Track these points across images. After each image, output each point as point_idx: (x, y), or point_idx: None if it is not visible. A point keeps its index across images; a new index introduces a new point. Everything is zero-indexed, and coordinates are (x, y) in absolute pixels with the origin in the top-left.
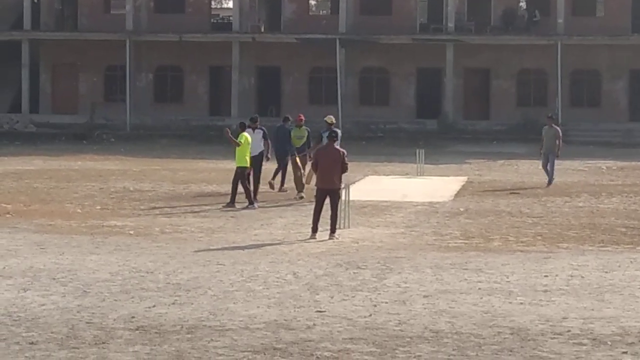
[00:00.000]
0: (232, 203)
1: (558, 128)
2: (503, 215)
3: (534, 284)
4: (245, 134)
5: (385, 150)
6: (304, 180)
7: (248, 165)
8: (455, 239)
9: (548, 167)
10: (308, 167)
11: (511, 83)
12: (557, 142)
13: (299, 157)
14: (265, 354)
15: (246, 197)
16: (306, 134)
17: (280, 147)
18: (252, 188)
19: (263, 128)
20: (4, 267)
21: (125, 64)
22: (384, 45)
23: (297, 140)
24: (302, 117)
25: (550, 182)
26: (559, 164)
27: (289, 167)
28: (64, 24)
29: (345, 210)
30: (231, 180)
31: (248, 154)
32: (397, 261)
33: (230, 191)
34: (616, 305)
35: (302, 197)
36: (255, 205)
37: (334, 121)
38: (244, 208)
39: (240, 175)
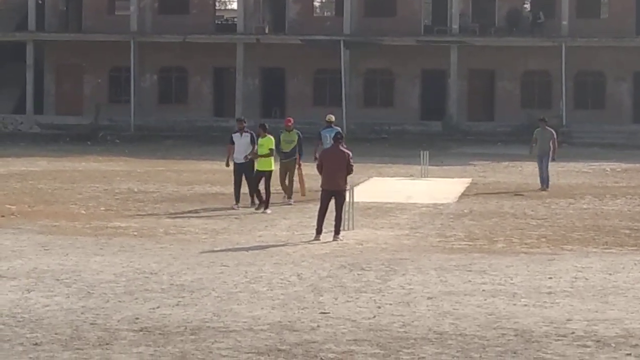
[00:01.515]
0: (264, 206)
1: (552, 130)
2: (507, 217)
3: (538, 286)
4: (270, 136)
5: (389, 151)
6: (297, 187)
7: (269, 168)
8: (459, 240)
9: (543, 171)
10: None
11: (515, 85)
12: (553, 144)
13: (288, 162)
14: (269, 356)
15: (260, 200)
16: (296, 137)
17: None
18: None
19: (251, 132)
20: (8, 268)
21: (130, 65)
22: (389, 46)
23: (287, 145)
24: (291, 120)
25: (547, 185)
26: (563, 166)
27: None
28: (69, 25)
29: (349, 212)
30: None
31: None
32: (401, 263)
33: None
34: (620, 307)
35: (290, 203)
36: (268, 210)
37: (333, 119)
38: (262, 211)
39: (268, 178)
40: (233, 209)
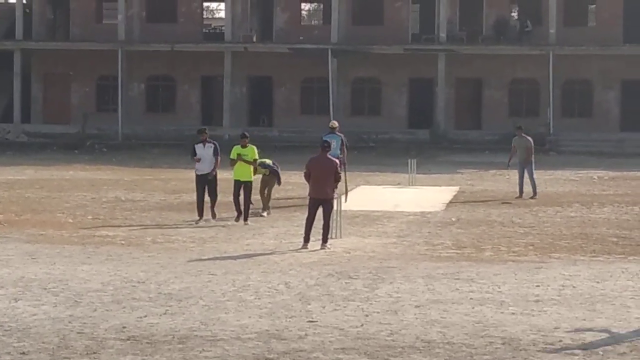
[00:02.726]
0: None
1: (529, 138)
2: (495, 225)
3: (526, 294)
4: (252, 146)
5: (377, 160)
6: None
7: (248, 179)
8: (447, 248)
9: (526, 179)
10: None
11: (503, 93)
12: (527, 152)
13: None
14: None
15: (243, 211)
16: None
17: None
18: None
19: (214, 142)
20: None
21: (117, 74)
22: (376, 55)
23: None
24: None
25: (534, 193)
26: (551, 174)
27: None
28: (56, 33)
29: (337, 220)
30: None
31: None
32: (388, 271)
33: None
34: (608, 315)
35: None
36: (249, 221)
37: (336, 125)
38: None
39: (248, 189)
40: (197, 223)
